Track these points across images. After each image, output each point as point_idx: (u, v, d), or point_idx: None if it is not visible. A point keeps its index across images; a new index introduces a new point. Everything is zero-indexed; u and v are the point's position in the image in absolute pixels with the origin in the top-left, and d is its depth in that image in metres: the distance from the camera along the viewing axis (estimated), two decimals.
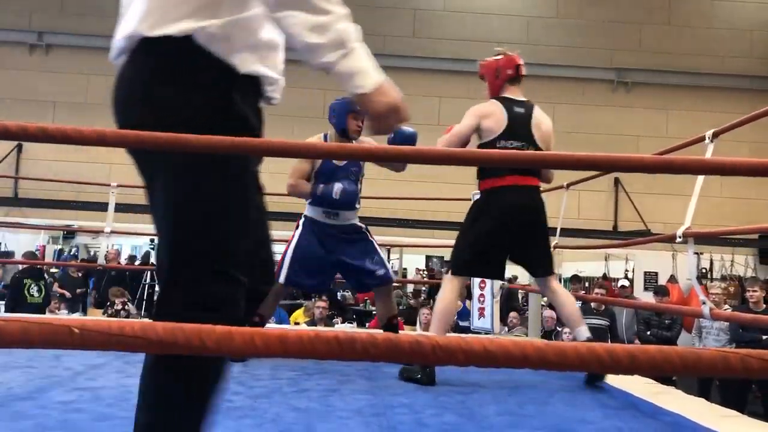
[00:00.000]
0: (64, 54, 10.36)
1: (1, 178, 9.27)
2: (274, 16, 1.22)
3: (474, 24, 10.67)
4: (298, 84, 10.54)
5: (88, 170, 9.08)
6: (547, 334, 7.22)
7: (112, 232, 4.96)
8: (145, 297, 8.99)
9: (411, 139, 3.18)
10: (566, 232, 4.64)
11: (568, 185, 4.40)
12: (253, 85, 1.29)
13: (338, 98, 3.46)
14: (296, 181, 3.45)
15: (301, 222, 3.53)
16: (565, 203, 4.31)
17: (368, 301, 9.50)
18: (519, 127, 3.08)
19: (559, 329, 7.27)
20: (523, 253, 3.15)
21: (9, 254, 9.79)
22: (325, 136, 3.53)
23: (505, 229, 3.04)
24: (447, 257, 11.58)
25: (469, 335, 4.36)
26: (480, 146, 3.08)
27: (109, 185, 5.06)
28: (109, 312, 7.18)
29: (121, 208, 5.39)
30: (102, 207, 5.44)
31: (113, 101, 1.30)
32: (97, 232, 5.72)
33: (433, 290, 9.47)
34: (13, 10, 10.26)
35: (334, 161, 3.42)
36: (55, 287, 8.54)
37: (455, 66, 10.48)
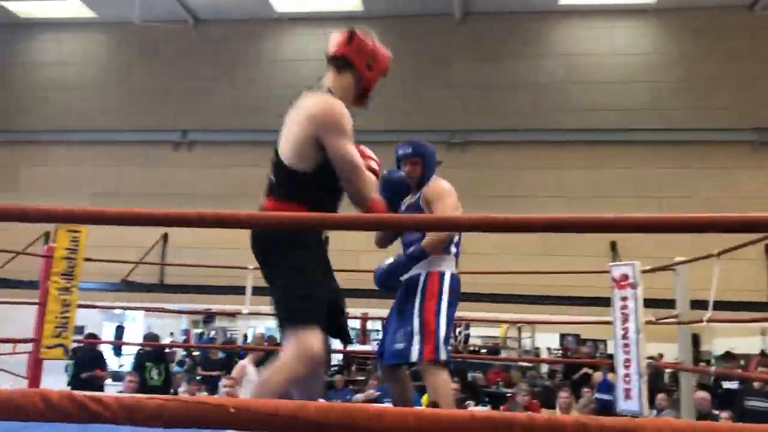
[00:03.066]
0: (205, 149, 11.22)
1: (150, 266, 9.98)
2: None
3: (597, 93, 10.51)
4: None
5: (221, 255, 9.61)
6: (702, 418, 6.60)
7: (250, 313, 5.14)
8: None
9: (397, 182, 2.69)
10: (716, 305, 4.29)
11: (719, 254, 4.05)
12: None
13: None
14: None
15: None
16: (717, 274, 3.95)
17: (501, 382, 9.17)
18: None
19: (716, 412, 6.64)
20: None
21: (155, 337, 10.40)
22: None
23: None
24: (583, 334, 11.07)
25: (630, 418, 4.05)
26: None
27: (246, 268, 5.29)
28: None
29: (257, 291, 5.61)
30: (239, 290, 5.68)
31: None
32: (236, 314, 5.96)
33: (570, 370, 9.01)
34: (160, 111, 11.31)
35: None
36: (198, 370, 8.92)
37: (579, 136, 10.31)
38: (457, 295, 2.88)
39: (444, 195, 2.91)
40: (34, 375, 5.08)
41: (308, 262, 2.11)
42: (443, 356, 2.70)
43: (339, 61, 2.32)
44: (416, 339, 2.73)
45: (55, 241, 5.14)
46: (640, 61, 10.65)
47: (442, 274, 2.85)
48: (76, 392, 0.86)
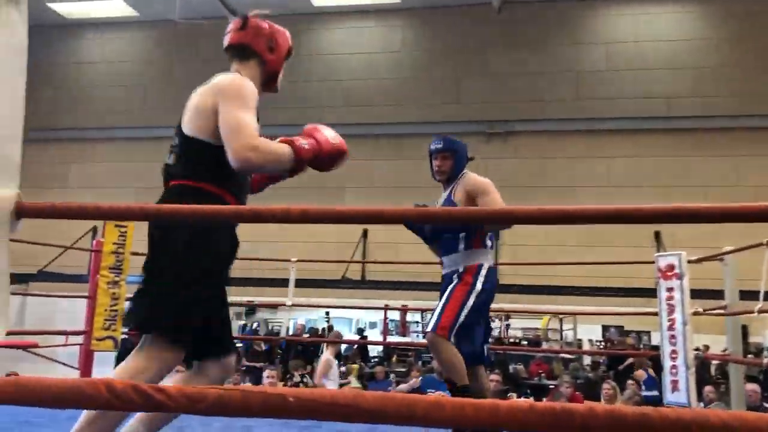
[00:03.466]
0: None
1: None
2: None
3: (639, 80, 10.30)
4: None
5: (264, 248, 9.72)
6: (752, 411, 6.45)
7: (293, 305, 5.20)
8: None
9: None
10: (767, 296, 4.17)
11: None
12: None
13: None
14: None
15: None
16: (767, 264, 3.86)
17: (542, 374, 9.09)
18: None
19: (767, 405, 6.48)
20: None
21: None
22: None
23: None
24: (626, 326, 10.90)
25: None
26: None
27: (289, 260, 5.35)
28: (289, 384, 7.46)
29: (299, 283, 5.67)
30: (282, 283, 5.75)
31: None
32: (278, 306, 6.02)
33: (613, 362, 8.89)
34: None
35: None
36: (244, 361, 9.06)
37: (622, 125, 10.13)
38: (493, 287, 2.94)
39: (490, 189, 2.94)
40: (86, 366, 5.23)
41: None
42: (452, 339, 2.79)
43: (238, 50, 2.12)
44: (437, 312, 2.82)
45: (104, 236, 5.27)
46: (683, 48, 10.40)
47: (479, 267, 2.91)
48: (140, 382, 0.89)
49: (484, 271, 2.91)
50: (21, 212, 1.02)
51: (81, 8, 11.66)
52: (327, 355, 7.07)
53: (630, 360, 8.43)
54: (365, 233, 10.41)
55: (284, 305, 5.26)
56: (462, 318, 2.80)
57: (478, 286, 2.85)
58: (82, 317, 5.33)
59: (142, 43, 12.15)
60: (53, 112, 11.67)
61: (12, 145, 1.04)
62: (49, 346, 5.80)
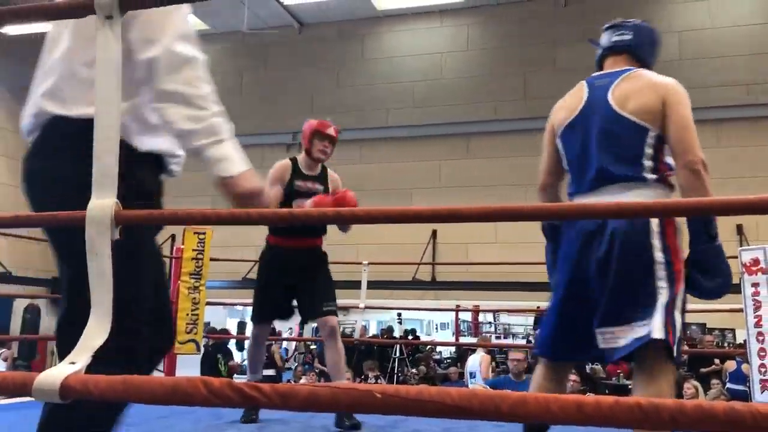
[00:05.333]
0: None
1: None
2: (155, 107, 1.38)
3: (715, 68, 9.91)
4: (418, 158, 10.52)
5: (335, 251, 9.86)
6: None
7: (366, 307, 5.26)
8: (395, 370, 9.33)
9: None
10: None
11: None
12: (155, 160, 1.49)
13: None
14: None
15: None
16: None
17: (621, 374, 8.87)
18: None
19: None
20: None
21: (275, 332, 10.83)
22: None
23: None
24: (709, 323, 10.49)
25: None
26: None
27: (361, 263, 5.42)
28: None
29: (370, 285, 5.72)
30: (354, 285, 5.82)
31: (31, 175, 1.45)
32: (349, 308, 6.10)
33: (694, 360, 8.58)
34: (271, 114, 11.74)
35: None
36: (316, 363, 9.22)
37: (698, 115, 9.74)
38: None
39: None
40: (170, 368, 5.45)
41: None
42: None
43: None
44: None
45: (183, 242, 5.48)
46: (763, 31, 9.93)
47: None
48: (234, 380, 0.93)
49: None
50: (120, 220, 1.09)
51: None
52: (482, 352, 7.27)
53: (715, 365, 8.14)
54: (434, 234, 10.41)
55: (357, 307, 5.32)
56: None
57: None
58: None
59: (213, 55, 12.53)
60: None
61: (111, 157, 1.11)
62: None
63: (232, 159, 1.43)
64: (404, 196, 10.63)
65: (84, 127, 1.22)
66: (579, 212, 1.55)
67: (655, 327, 1.88)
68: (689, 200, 1.64)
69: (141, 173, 1.43)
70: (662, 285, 1.94)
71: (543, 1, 10.82)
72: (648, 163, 2.05)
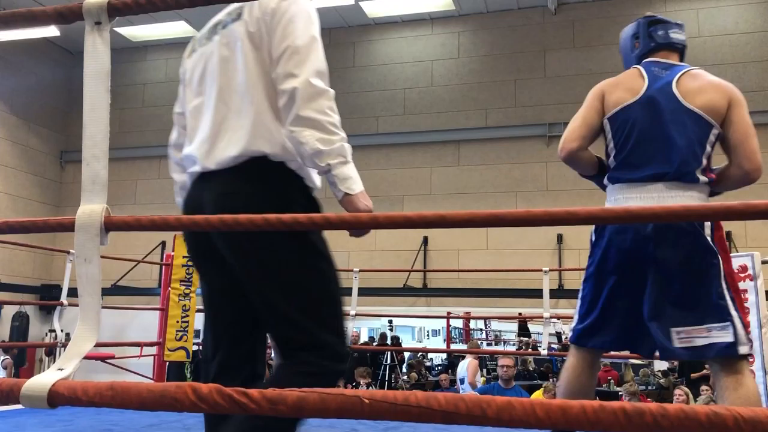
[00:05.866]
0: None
1: None
2: (290, 130, 1.57)
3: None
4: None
5: None
6: None
7: (357, 314, 5.26)
8: (386, 377, 9.31)
9: None
10: None
11: None
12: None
13: None
14: None
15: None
16: None
17: (612, 381, 8.89)
18: None
19: None
20: None
21: None
22: None
23: None
24: None
25: None
26: None
27: (351, 270, 5.42)
28: None
29: (361, 292, 5.73)
30: (345, 292, 5.81)
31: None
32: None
33: (685, 367, 8.61)
34: None
35: None
36: None
37: None
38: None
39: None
40: (159, 376, 5.42)
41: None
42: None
43: None
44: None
45: (173, 249, 5.46)
46: (747, 40, 10.04)
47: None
48: (223, 386, 0.93)
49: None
50: (110, 225, 1.09)
51: (144, 31, 12.12)
52: (471, 358, 7.29)
53: (705, 370, 8.18)
54: (425, 240, 10.42)
55: (348, 315, 5.32)
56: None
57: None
58: (153, 329, 5.53)
59: None
60: (124, 131, 12.14)
61: (100, 163, 1.12)
62: (124, 357, 6.03)
63: (355, 179, 1.59)
64: (396, 203, 10.65)
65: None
66: (581, 217, 1.55)
67: (740, 339, 1.95)
68: (676, 206, 1.65)
69: (316, 207, 1.71)
70: (725, 287, 2.00)
71: (533, 10, 10.89)
72: (704, 162, 2.08)
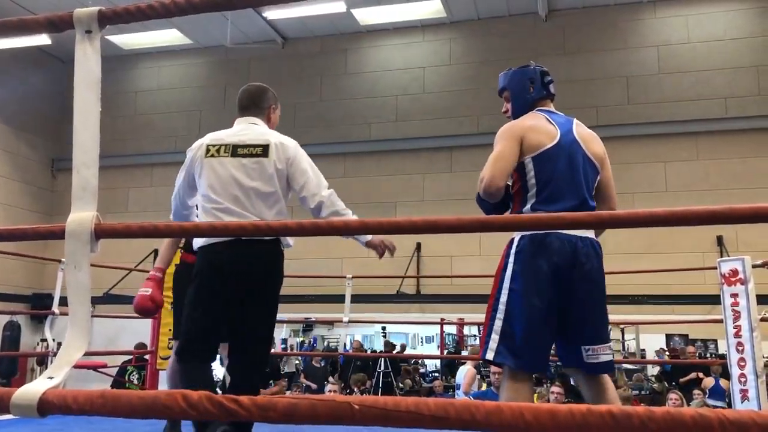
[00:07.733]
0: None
1: None
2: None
3: (694, 82, 10.07)
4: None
5: (320, 265, 9.85)
6: None
7: (350, 321, 5.25)
8: (380, 384, 9.29)
9: None
10: None
11: None
12: None
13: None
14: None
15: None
16: None
17: None
18: None
19: None
20: None
21: None
22: None
23: None
24: (691, 334, 10.59)
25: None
26: None
27: (344, 277, 5.42)
28: None
29: (355, 298, 5.72)
30: (337, 299, 5.81)
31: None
32: (333, 323, 6.07)
33: (678, 372, 8.64)
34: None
35: None
36: (302, 378, 9.16)
37: (677, 128, 9.91)
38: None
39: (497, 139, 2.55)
40: (152, 384, 5.39)
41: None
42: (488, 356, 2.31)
43: None
44: None
45: None
46: (737, 46, 10.11)
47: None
48: (213, 394, 0.93)
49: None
50: (100, 233, 1.09)
51: (136, 39, 12.11)
52: (469, 366, 7.31)
53: (693, 374, 8.22)
54: (419, 246, 10.43)
55: (341, 321, 5.31)
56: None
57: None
58: (145, 338, 5.50)
59: (197, 70, 12.53)
60: (116, 139, 12.10)
61: (90, 171, 1.12)
62: (116, 366, 6.01)
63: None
64: (388, 209, 10.65)
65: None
66: (561, 222, 1.57)
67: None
68: (667, 210, 1.66)
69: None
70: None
71: (524, 16, 10.95)
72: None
